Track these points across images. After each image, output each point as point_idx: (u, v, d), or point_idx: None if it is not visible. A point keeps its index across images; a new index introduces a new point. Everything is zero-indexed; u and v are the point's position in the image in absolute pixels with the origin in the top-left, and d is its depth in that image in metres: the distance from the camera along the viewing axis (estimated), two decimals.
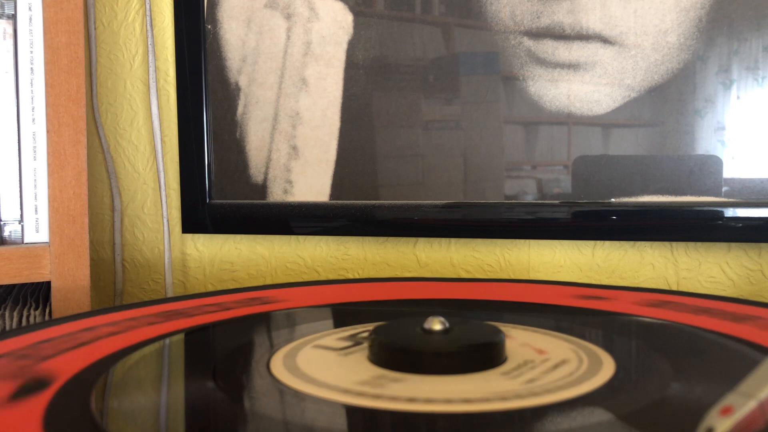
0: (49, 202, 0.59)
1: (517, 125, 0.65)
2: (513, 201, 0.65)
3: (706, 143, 0.60)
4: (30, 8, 0.59)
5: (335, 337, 0.40)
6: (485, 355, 0.33)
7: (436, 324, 0.35)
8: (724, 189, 0.60)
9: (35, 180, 0.60)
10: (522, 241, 0.68)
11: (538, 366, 0.34)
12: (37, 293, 0.63)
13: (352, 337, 0.40)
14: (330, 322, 0.44)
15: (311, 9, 0.70)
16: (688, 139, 0.61)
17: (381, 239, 0.71)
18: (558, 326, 0.42)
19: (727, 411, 0.21)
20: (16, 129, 0.60)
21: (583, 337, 0.39)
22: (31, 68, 0.60)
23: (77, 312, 0.59)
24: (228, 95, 0.73)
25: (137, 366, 0.35)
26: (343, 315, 0.46)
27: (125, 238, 0.79)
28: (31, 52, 0.60)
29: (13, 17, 0.59)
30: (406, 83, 0.68)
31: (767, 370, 0.21)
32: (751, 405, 0.21)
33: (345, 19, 0.69)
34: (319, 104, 0.70)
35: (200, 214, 0.74)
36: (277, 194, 0.72)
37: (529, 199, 0.65)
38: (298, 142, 0.71)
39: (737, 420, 0.21)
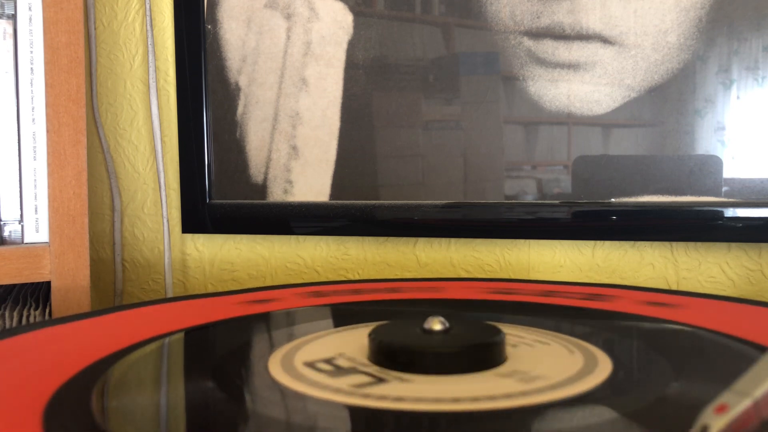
0: (49, 202, 0.59)
1: (517, 125, 0.65)
2: (513, 201, 0.65)
3: (706, 143, 0.60)
4: (30, 8, 0.60)
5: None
6: (485, 355, 0.33)
7: (436, 324, 0.35)
8: (724, 189, 0.60)
9: (35, 180, 0.60)
10: (522, 241, 0.68)
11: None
12: (37, 293, 0.63)
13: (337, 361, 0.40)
14: (330, 321, 0.44)
15: (311, 9, 0.70)
16: (688, 139, 0.61)
17: (381, 239, 0.72)
18: (557, 326, 0.42)
19: (721, 409, 0.21)
20: (16, 129, 0.60)
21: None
22: (31, 68, 0.60)
23: (77, 312, 0.59)
24: (228, 95, 0.73)
25: (137, 366, 0.35)
26: (343, 315, 0.47)
27: (125, 238, 0.79)
28: (31, 52, 0.60)
29: (13, 17, 0.60)
30: (406, 83, 0.68)
31: (762, 369, 0.21)
32: (745, 403, 0.21)
33: (345, 19, 0.69)
34: (319, 104, 0.70)
35: (200, 214, 0.74)
36: (277, 194, 0.72)
37: (529, 199, 0.65)
38: (298, 142, 0.71)
39: (732, 418, 0.21)
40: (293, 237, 0.74)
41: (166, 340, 0.40)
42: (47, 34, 0.59)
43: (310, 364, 0.35)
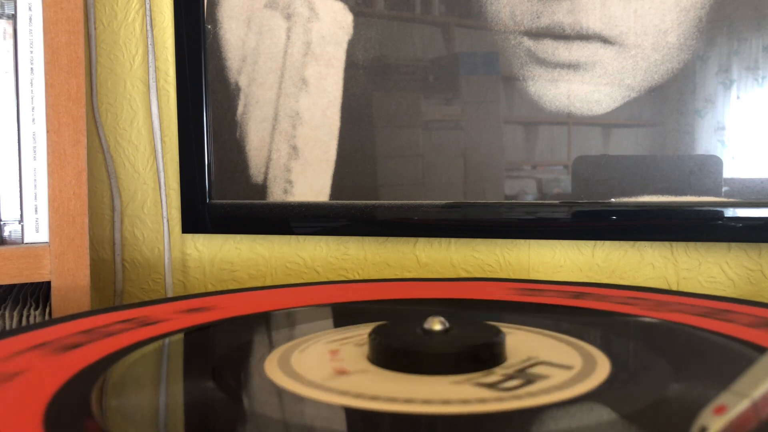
0: (49, 202, 0.59)
1: (517, 125, 0.65)
2: (513, 201, 0.65)
3: (706, 143, 0.60)
4: (30, 8, 0.60)
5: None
6: (485, 355, 0.33)
7: (436, 324, 0.35)
8: (724, 189, 0.60)
9: (35, 180, 0.60)
10: (522, 241, 0.68)
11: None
12: (37, 293, 0.63)
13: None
14: (330, 322, 0.44)
15: (311, 9, 0.70)
16: (688, 139, 0.61)
17: (381, 239, 0.72)
18: (557, 326, 0.42)
19: (720, 410, 0.21)
20: (16, 129, 0.60)
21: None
22: (31, 68, 0.60)
23: (77, 312, 0.59)
24: (228, 95, 0.73)
25: (137, 366, 0.35)
26: (343, 315, 0.47)
27: (125, 238, 0.79)
28: (31, 52, 0.60)
29: (13, 17, 0.60)
30: (406, 83, 0.68)
31: (761, 370, 0.21)
32: (744, 404, 0.21)
33: (345, 19, 0.69)
34: (319, 104, 0.70)
35: (200, 214, 0.74)
36: (277, 194, 0.72)
37: (529, 199, 0.65)
38: (298, 142, 0.71)
39: (730, 419, 0.21)
40: (293, 237, 0.74)
41: (166, 340, 0.40)
42: (47, 34, 0.59)
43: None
